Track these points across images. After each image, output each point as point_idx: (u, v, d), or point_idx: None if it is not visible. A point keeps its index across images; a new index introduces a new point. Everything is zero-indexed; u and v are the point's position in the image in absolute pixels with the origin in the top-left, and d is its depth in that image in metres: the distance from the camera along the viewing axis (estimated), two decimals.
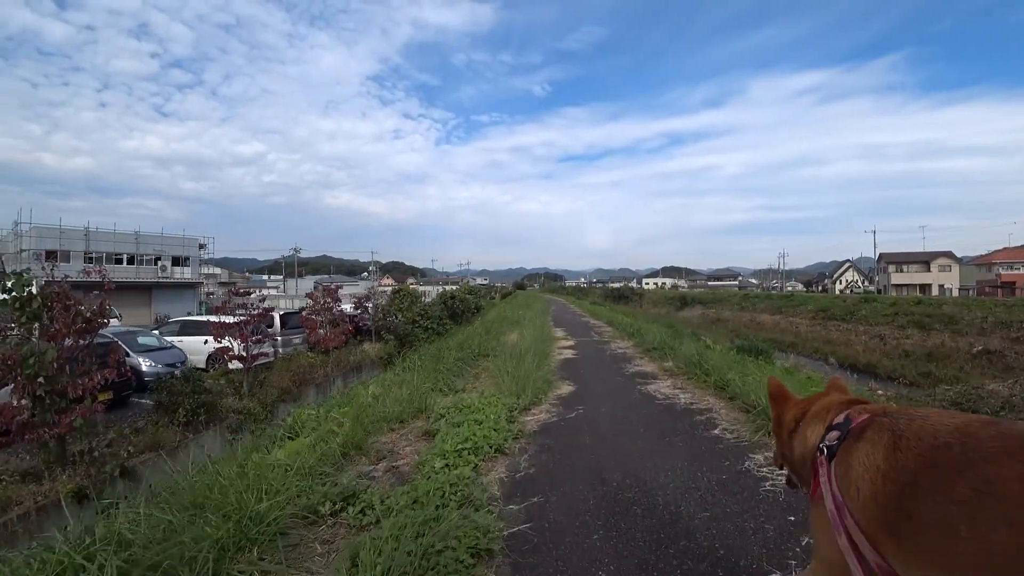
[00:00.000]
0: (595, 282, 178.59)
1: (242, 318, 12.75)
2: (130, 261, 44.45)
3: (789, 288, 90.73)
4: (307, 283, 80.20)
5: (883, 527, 1.25)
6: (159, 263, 45.72)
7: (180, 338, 15.77)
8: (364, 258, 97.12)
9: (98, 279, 8.84)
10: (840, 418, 1.51)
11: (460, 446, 4.50)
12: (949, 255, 67.19)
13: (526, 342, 10.94)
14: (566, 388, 7.68)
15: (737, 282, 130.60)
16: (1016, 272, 63.55)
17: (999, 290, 58.19)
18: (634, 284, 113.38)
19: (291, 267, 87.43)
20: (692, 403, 6.55)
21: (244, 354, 12.57)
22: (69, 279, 8.27)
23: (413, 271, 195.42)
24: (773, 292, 69.27)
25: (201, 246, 51.13)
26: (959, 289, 63.09)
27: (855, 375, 19.37)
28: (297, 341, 18.24)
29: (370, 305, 22.41)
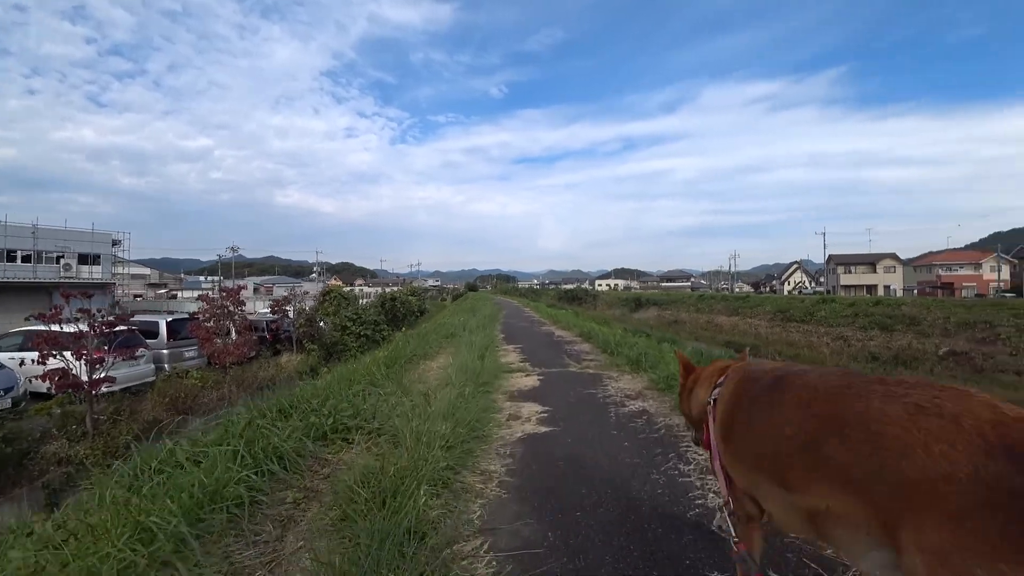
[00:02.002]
0: (548, 283, 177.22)
1: (83, 328, 9.42)
2: (28, 259, 39.00)
3: (737, 289, 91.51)
4: (248, 284, 74.92)
5: (722, 440, 1.87)
6: (62, 261, 40.42)
7: (22, 354, 12.11)
8: (312, 259, 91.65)
9: None
10: (721, 379, 2.06)
11: None
12: (894, 257, 68.74)
13: (451, 390, 5.66)
14: None
15: (690, 283, 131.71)
16: (954, 273, 65.51)
17: (939, 290, 59.61)
18: (587, 285, 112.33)
19: (231, 268, 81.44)
20: None
21: (87, 377, 9.25)
22: None
23: (363, 272, 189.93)
24: (726, 293, 69.08)
25: (115, 242, 45.74)
26: (903, 290, 64.44)
27: None
28: (190, 355, 14.82)
29: (290, 309, 19.04)
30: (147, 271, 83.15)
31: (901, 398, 1.24)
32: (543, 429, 5.09)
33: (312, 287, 55.83)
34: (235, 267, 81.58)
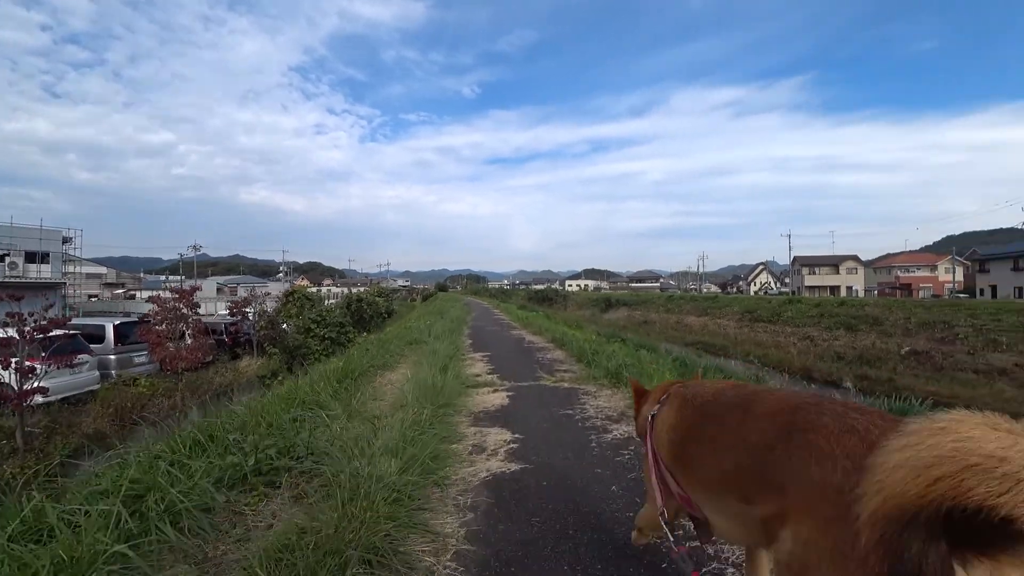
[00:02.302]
0: (518, 284, 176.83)
1: (12, 334, 8.60)
2: None
3: (705, 289, 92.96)
4: (210, 284, 72.52)
5: (673, 460, 1.91)
6: (7, 259, 38.23)
7: None
8: (280, 258, 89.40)
9: None
10: (663, 396, 2.14)
11: None
12: (855, 259, 70.68)
13: (406, 413, 4.93)
14: None
15: (659, 284, 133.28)
16: (912, 275, 67.78)
17: (897, 291, 61.58)
18: (557, 286, 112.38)
19: (196, 267, 78.55)
20: None
21: (15, 387, 8.45)
22: None
23: (331, 272, 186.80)
24: (695, 294, 69.99)
25: (65, 239, 43.50)
26: (864, 290, 66.32)
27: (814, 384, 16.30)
28: (140, 360, 13.91)
29: (251, 311, 18.19)
30: (104, 270, 79.70)
31: (844, 418, 1.32)
32: (512, 467, 4.29)
33: (278, 287, 54.32)
34: (198, 266, 78.87)
